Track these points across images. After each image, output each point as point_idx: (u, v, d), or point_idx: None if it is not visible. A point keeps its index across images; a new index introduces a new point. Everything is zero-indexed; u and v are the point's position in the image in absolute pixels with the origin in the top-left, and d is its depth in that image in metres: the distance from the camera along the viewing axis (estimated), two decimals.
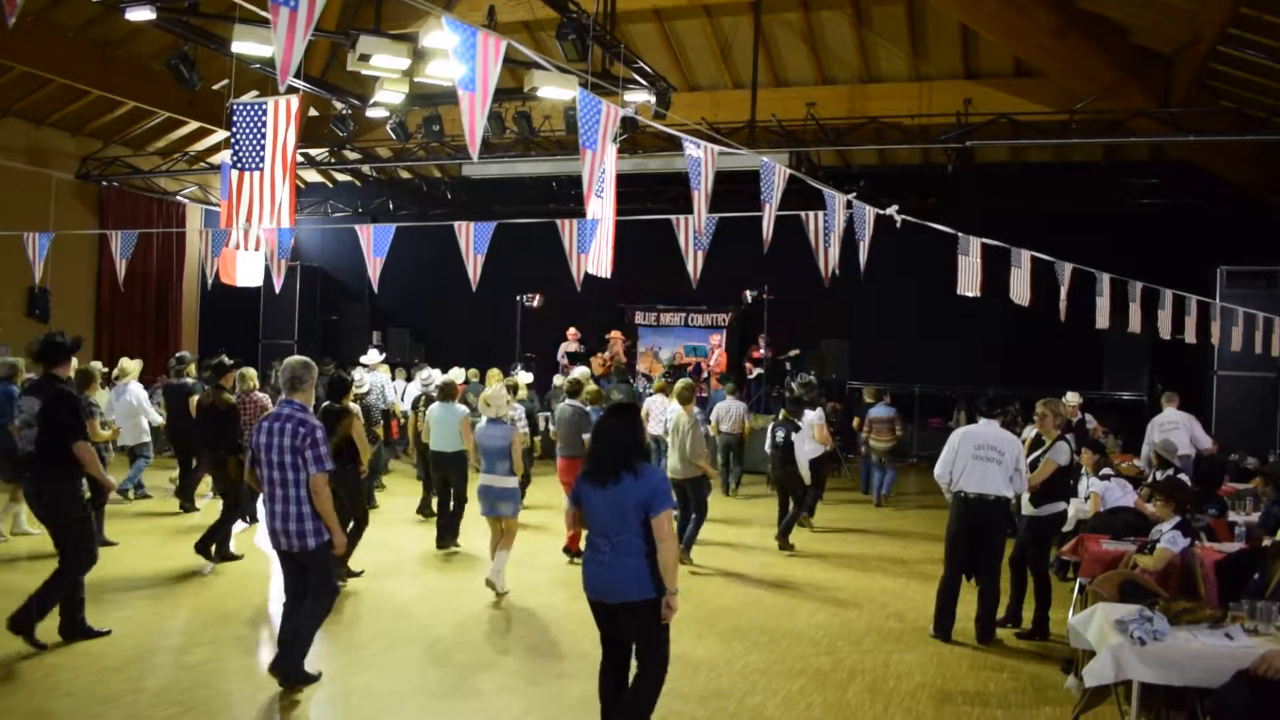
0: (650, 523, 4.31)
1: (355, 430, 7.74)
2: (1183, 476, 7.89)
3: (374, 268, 8.83)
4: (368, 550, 8.38)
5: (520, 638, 6.67)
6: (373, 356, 13.40)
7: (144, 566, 8.10)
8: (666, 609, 4.36)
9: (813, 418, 10.85)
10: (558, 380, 13.63)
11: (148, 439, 10.98)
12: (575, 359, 16.51)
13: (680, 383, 9.43)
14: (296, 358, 5.49)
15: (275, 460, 5.16)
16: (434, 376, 11.35)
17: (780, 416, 10.15)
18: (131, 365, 11.18)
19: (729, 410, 12.58)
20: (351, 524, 7.74)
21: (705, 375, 17.33)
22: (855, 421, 13.63)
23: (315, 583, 5.38)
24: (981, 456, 6.71)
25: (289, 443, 5.14)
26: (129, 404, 10.75)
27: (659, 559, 4.32)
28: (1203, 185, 14.35)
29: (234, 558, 8.39)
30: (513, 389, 10.18)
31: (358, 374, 10.87)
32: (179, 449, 10.93)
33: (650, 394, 12.88)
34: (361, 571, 8.02)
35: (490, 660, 6.18)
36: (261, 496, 5.39)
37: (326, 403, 7.86)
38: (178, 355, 11.33)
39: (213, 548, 8.29)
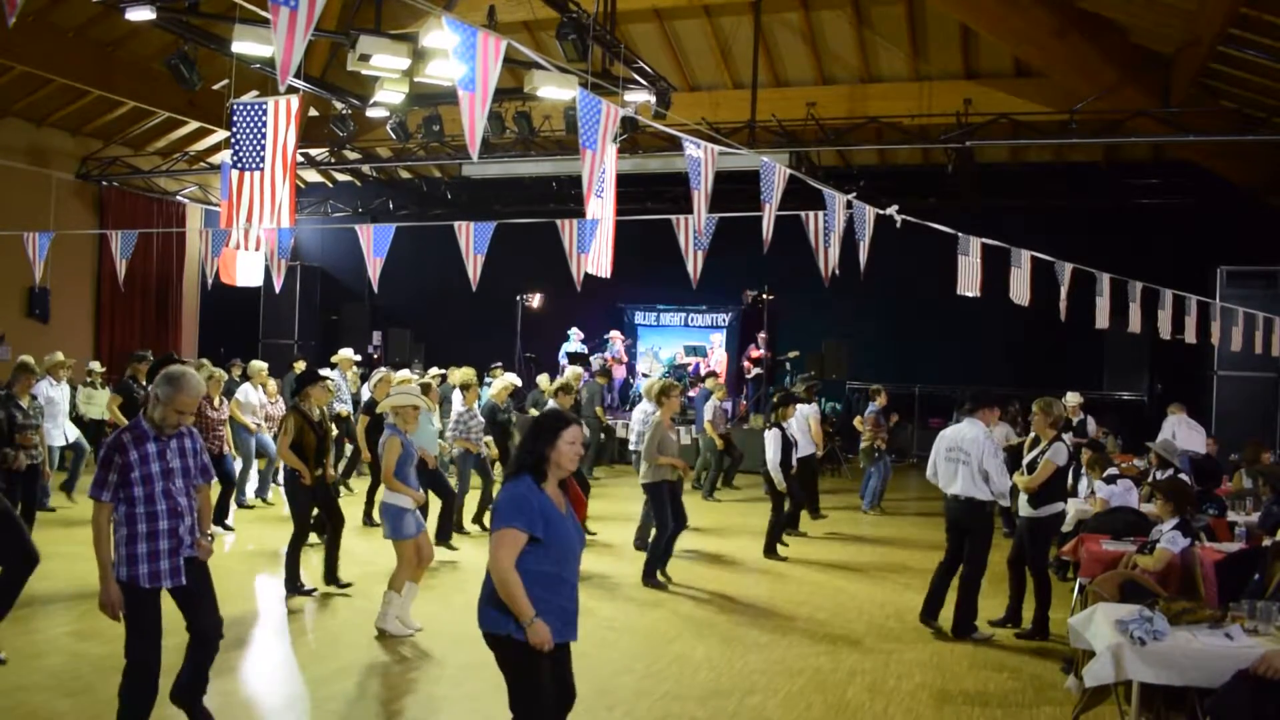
0: None
1: (284, 435, 7.38)
2: (1183, 476, 7.89)
3: (374, 268, 8.82)
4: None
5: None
6: (342, 355, 12.84)
7: None
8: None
9: (806, 412, 10.67)
10: (541, 381, 13.51)
11: (62, 443, 10.54)
12: (576, 359, 16.53)
13: (660, 383, 8.99)
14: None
15: (164, 489, 4.30)
16: (379, 376, 10.91)
17: (773, 417, 9.86)
18: (63, 359, 10.73)
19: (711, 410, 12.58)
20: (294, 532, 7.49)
21: (706, 376, 17.33)
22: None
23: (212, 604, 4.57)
24: (951, 458, 6.85)
25: (202, 460, 4.53)
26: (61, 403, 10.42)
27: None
28: (1203, 185, 14.35)
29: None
30: (464, 388, 9.87)
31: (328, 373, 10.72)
32: None
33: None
34: (314, 590, 7.53)
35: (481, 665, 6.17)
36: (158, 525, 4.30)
37: (293, 401, 7.74)
38: (136, 354, 10.83)
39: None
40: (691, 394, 14.52)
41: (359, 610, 7.06)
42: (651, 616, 7.20)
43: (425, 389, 11.24)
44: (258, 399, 10.99)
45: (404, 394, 7.06)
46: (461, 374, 10.42)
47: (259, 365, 11.35)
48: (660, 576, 8.18)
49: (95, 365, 14.01)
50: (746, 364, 16.99)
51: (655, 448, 8.17)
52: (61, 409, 10.41)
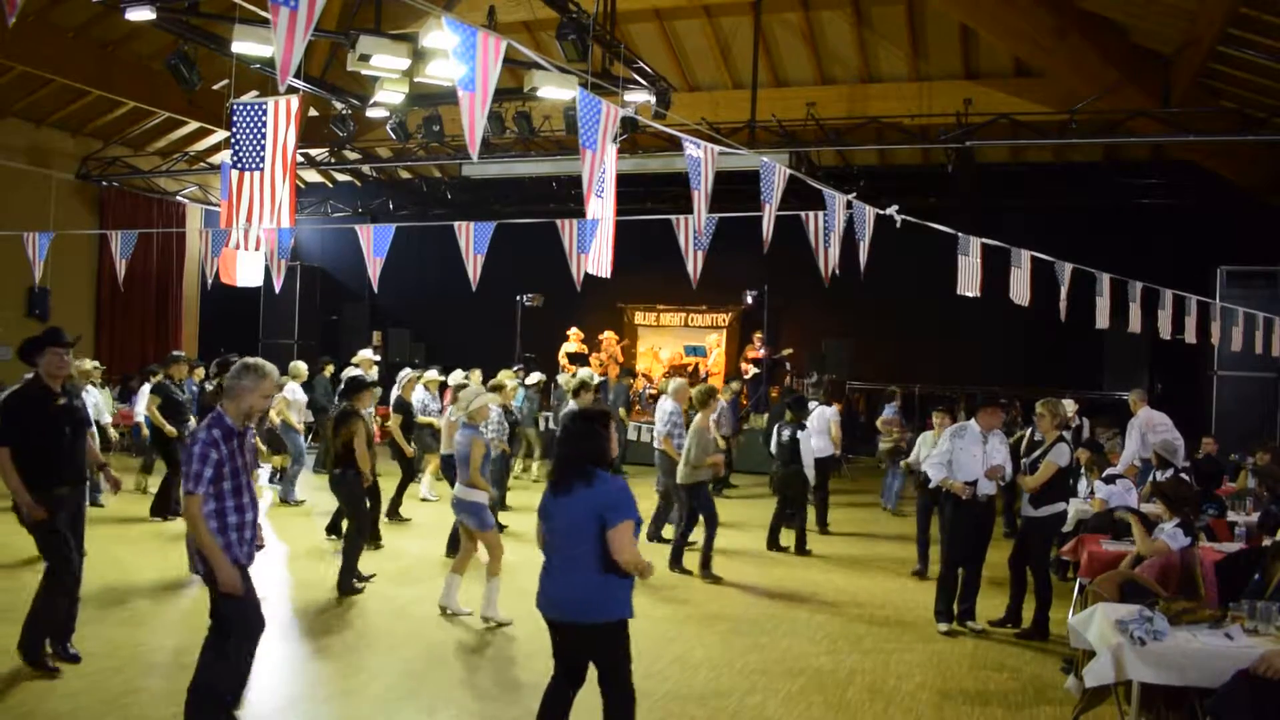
0: (607, 535, 3.98)
1: (357, 437, 7.60)
2: (1183, 476, 7.88)
3: (374, 268, 8.82)
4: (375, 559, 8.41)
5: (519, 645, 6.65)
6: (362, 355, 12.95)
7: (141, 571, 8.08)
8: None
9: (829, 414, 10.94)
10: (561, 380, 13.58)
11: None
12: (575, 359, 16.51)
13: (700, 388, 9.16)
14: (243, 360, 4.72)
15: (245, 481, 4.52)
16: (410, 376, 11.03)
17: (786, 417, 9.89)
18: (89, 367, 10.64)
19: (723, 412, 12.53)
20: (346, 536, 7.67)
21: (705, 375, 17.33)
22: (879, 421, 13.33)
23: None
24: None
25: (252, 457, 4.66)
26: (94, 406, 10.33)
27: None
28: (1203, 185, 14.35)
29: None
30: (496, 389, 10.01)
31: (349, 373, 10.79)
32: (169, 455, 10.21)
33: (650, 393, 12.83)
34: (373, 575, 7.85)
35: (487, 664, 6.18)
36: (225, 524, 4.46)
37: (343, 404, 7.90)
38: (171, 355, 10.97)
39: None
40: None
41: (419, 600, 7.09)
42: (652, 616, 7.19)
43: (442, 389, 11.31)
44: (304, 398, 11.11)
45: (478, 396, 7.30)
46: (500, 376, 10.52)
47: (302, 366, 11.66)
48: (682, 568, 8.56)
49: (96, 364, 13.96)
50: (744, 364, 16.99)
51: (702, 452, 8.48)
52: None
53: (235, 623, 4.50)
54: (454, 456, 7.19)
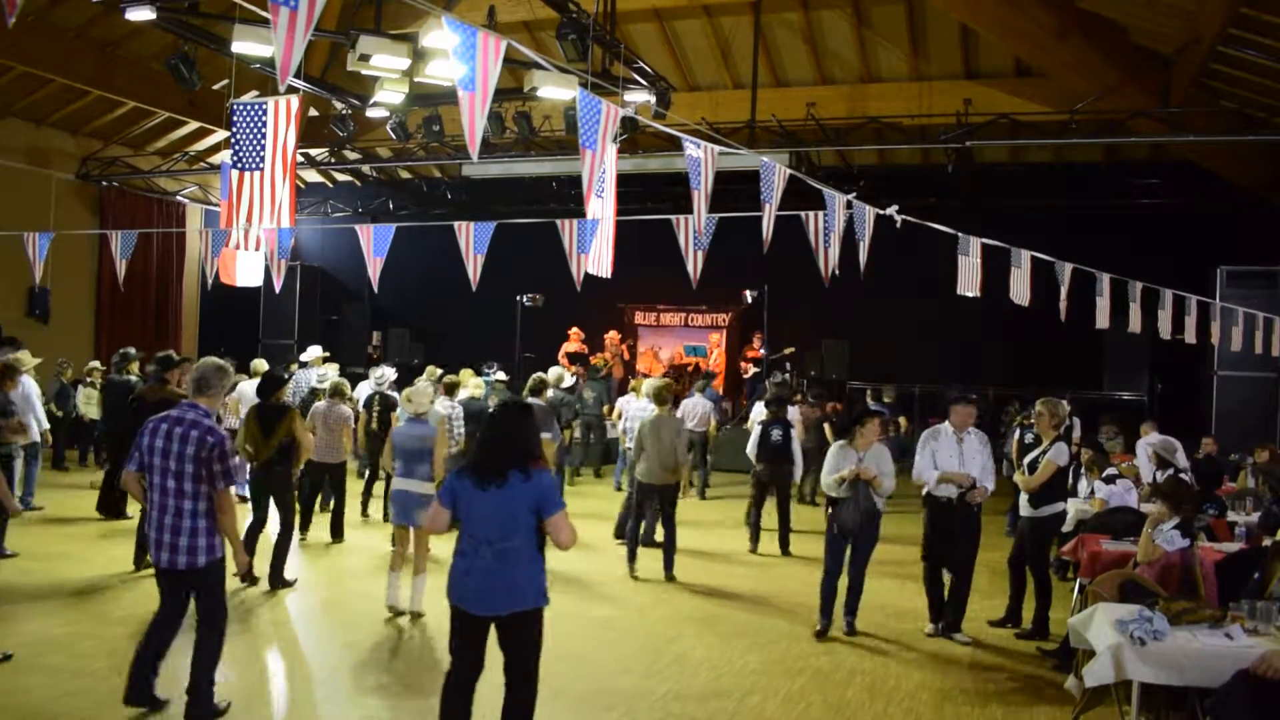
0: (545, 525, 4.10)
1: (297, 428, 7.55)
2: (1183, 476, 7.88)
3: (374, 268, 8.82)
4: (329, 555, 8.38)
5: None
6: (311, 353, 12.83)
7: (128, 570, 8.05)
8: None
9: (794, 414, 11.13)
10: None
11: (37, 439, 10.05)
12: (575, 359, 16.51)
13: (658, 382, 9.02)
14: (211, 359, 5.03)
15: (172, 468, 4.68)
16: (387, 374, 10.84)
17: (768, 415, 9.87)
18: (28, 357, 10.27)
19: (694, 408, 12.36)
20: (280, 530, 7.56)
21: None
22: None
23: (205, 606, 4.89)
24: None
25: (192, 451, 4.65)
26: (24, 398, 9.92)
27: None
28: (1203, 185, 14.34)
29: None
30: (451, 388, 9.82)
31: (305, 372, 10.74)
32: (114, 451, 9.96)
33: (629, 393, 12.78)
34: (294, 581, 7.66)
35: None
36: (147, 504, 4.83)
37: (257, 402, 7.72)
38: (120, 351, 10.64)
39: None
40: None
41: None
42: (651, 617, 7.20)
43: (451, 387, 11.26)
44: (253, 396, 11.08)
45: (419, 392, 7.27)
46: (466, 375, 10.53)
47: (261, 364, 11.55)
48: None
49: (96, 364, 13.99)
50: (744, 364, 16.99)
51: (683, 454, 8.52)
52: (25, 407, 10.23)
53: (218, 618, 4.95)
54: (403, 450, 6.95)
